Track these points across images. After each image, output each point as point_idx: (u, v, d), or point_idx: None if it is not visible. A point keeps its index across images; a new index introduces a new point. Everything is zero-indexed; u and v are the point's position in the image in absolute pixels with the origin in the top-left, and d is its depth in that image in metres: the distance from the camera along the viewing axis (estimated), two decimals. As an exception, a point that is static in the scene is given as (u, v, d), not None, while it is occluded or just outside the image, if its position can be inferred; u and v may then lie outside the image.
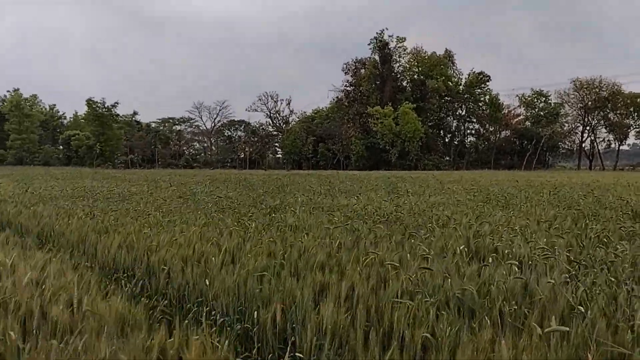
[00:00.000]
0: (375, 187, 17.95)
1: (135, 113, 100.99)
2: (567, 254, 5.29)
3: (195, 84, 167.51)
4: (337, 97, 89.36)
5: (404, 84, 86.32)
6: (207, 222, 7.51)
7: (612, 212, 8.86)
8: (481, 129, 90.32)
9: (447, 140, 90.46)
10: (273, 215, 8.59)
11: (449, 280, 3.96)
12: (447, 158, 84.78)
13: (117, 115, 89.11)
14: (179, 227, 7.13)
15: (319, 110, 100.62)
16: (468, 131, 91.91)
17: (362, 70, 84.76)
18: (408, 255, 4.81)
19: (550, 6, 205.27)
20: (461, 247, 5.14)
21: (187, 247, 5.75)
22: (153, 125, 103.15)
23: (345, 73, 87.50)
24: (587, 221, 7.49)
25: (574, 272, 4.72)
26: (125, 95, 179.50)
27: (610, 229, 6.74)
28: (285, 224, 7.36)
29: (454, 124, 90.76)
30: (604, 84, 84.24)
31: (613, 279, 4.36)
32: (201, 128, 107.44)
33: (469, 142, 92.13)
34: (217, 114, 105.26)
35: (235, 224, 7.21)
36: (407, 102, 75.99)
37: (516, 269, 4.51)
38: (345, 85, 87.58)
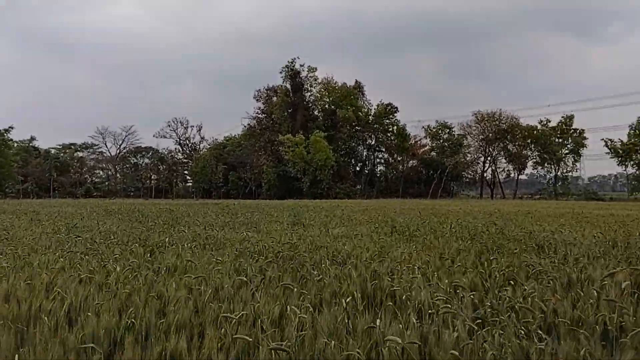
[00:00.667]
0: (280, 217, 17.14)
1: (32, 138, 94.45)
2: (472, 296, 4.72)
3: (102, 110, 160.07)
4: (249, 124, 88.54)
5: (316, 112, 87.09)
6: (65, 265, 6.31)
7: (516, 245, 8.59)
8: (390, 159, 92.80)
9: (357, 169, 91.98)
10: (151, 255, 7.50)
11: (332, 343, 3.18)
12: (358, 187, 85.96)
13: (11, 140, 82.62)
14: (29, 273, 5.92)
15: (230, 138, 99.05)
16: (378, 160, 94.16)
17: (274, 98, 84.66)
18: (288, 308, 3.98)
19: (450, 48, 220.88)
20: (348, 299, 4.39)
21: (22, 301, 4.60)
22: (53, 151, 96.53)
23: (257, 100, 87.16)
24: (491, 256, 7.08)
25: (480, 320, 4.13)
26: (25, 120, 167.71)
27: (516, 265, 6.32)
28: (161, 266, 6.33)
29: (364, 153, 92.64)
30: (504, 117, 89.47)
31: (523, 329, 3.80)
32: (105, 155, 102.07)
33: (379, 171, 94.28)
34: (123, 140, 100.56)
35: (98, 267, 6.09)
36: (318, 130, 76.45)
37: (414, 321, 3.84)
38: (257, 113, 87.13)
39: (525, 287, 4.97)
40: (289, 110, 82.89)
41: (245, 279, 5.24)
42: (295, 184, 75.06)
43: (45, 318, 4.00)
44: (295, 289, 4.60)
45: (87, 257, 7.03)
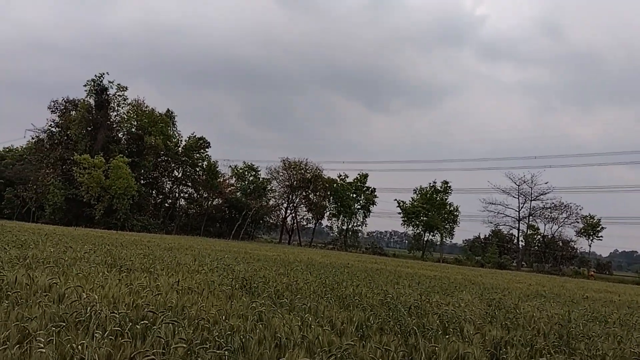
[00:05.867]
0: (85, 254, 13.72)
1: None
2: None
3: None
4: (38, 136, 77.43)
5: (120, 135, 79.77)
6: None
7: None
8: (195, 194, 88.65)
9: (158, 200, 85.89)
10: None
11: None
12: (157, 220, 79.89)
13: None
14: None
15: (11, 150, 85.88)
16: (182, 194, 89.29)
17: (73, 112, 75.37)
18: None
19: (255, 95, 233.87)
20: None
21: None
22: None
23: (52, 112, 76.41)
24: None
25: None
26: None
27: None
28: None
29: (169, 186, 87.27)
30: (309, 167, 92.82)
31: None
32: None
33: (180, 205, 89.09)
34: None
35: None
36: (121, 155, 69.62)
37: None
38: (50, 125, 76.49)
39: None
40: (89, 128, 74.31)
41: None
42: (86, 210, 66.72)
43: None
44: None
45: None
